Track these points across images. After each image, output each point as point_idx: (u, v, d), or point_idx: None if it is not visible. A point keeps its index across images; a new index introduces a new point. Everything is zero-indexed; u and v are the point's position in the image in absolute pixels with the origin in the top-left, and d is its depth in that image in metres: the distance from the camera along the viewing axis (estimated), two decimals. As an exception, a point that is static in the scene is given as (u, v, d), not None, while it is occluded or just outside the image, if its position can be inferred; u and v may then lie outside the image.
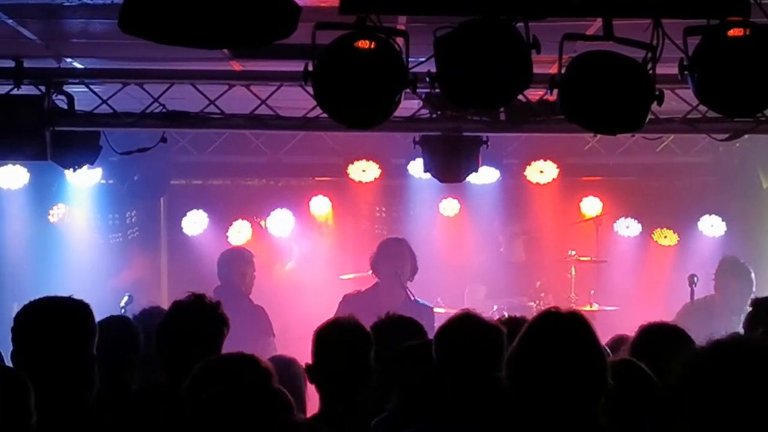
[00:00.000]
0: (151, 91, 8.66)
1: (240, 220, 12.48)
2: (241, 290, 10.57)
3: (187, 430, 4.11)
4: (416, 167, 11.13)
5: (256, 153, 12.17)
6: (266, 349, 9.47)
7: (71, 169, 9.73)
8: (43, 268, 11.64)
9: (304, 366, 5.58)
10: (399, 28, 6.53)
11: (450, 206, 12.47)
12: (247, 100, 8.72)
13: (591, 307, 10.82)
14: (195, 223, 12.47)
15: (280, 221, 12.46)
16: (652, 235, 12.55)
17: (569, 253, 11.43)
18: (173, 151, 11.51)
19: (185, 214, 12.46)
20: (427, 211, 12.43)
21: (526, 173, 12.14)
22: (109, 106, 8.71)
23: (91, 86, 8.76)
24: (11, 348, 4.53)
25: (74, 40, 8.42)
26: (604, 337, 5.14)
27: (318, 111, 7.73)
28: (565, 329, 4.08)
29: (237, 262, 10.86)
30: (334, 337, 5.44)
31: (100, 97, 8.73)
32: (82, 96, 8.79)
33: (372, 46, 6.08)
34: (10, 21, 7.56)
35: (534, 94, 8.17)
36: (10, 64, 8.45)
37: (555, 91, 6.37)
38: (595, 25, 6.59)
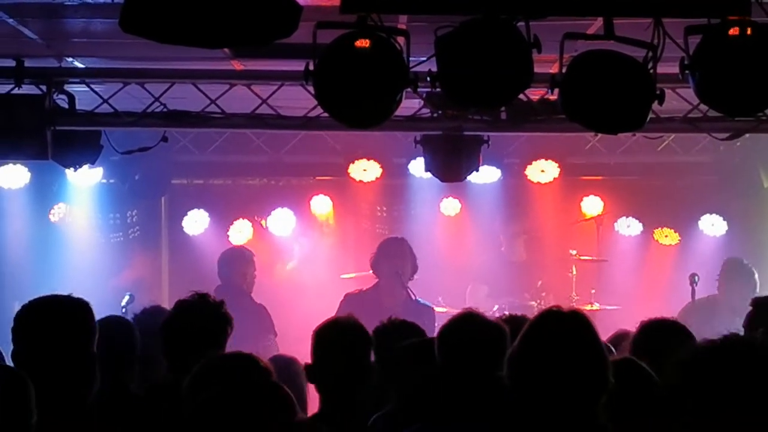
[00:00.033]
0: (152, 90, 8.66)
1: (241, 219, 12.48)
2: (242, 289, 10.57)
3: (188, 430, 4.11)
4: (417, 166, 11.14)
5: (257, 152, 12.17)
6: (268, 347, 9.48)
7: (72, 169, 9.73)
8: (44, 268, 11.64)
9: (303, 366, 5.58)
10: (400, 28, 6.53)
11: (451, 205, 12.47)
12: (248, 99, 8.72)
13: (592, 306, 10.82)
14: (196, 222, 12.47)
15: (281, 221, 12.46)
16: (653, 235, 12.55)
17: (570, 252, 11.43)
18: (174, 151, 11.52)
19: (186, 214, 12.46)
20: (428, 211, 12.43)
21: (527, 172, 12.14)
22: (110, 105, 8.71)
23: (92, 85, 8.76)
24: (12, 347, 4.53)
25: (75, 39, 8.42)
26: (605, 337, 5.14)
27: (319, 110, 7.73)
28: (566, 328, 4.07)
29: (237, 261, 10.86)
30: (333, 337, 5.43)
31: (101, 97, 8.73)
32: (83, 95, 8.79)
33: (373, 45, 6.08)
34: (10, 20, 7.56)
35: (535, 93, 8.17)
36: (11, 63, 8.45)
37: (556, 91, 6.37)
38: (596, 25, 6.59)
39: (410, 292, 9.99)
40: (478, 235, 12.48)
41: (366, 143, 11.71)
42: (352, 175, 12.08)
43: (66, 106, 8.70)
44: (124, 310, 9.60)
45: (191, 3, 5.24)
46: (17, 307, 4.60)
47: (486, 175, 11.44)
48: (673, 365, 3.34)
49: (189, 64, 8.47)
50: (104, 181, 12.01)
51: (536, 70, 6.10)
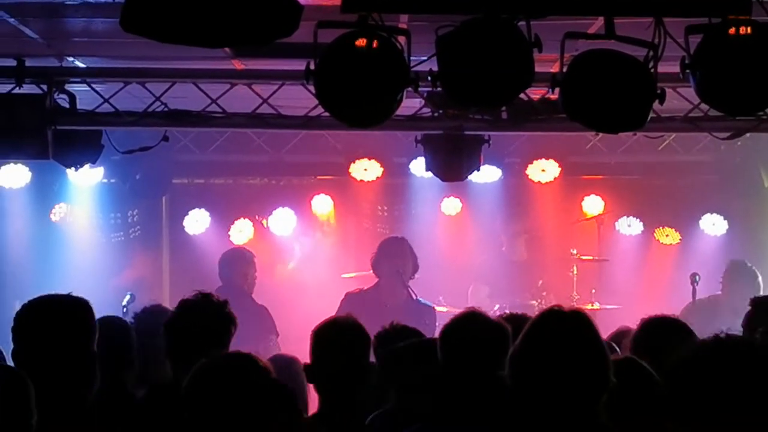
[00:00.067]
0: (153, 89, 8.66)
1: (242, 219, 12.48)
2: (243, 290, 10.56)
3: (188, 430, 4.11)
4: (418, 166, 11.14)
5: (258, 152, 12.17)
6: (269, 348, 9.47)
7: (73, 168, 9.73)
8: (44, 267, 11.64)
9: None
10: (401, 27, 6.53)
11: (452, 205, 12.48)
12: (249, 98, 8.72)
13: (593, 305, 10.83)
14: (197, 222, 12.47)
15: (282, 220, 12.47)
16: (654, 234, 12.56)
17: (571, 251, 11.44)
18: (175, 150, 11.51)
19: (187, 213, 12.46)
20: (429, 210, 12.43)
21: (527, 172, 12.14)
22: (110, 105, 8.71)
23: (93, 85, 8.76)
24: (12, 347, 4.53)
25: (76, 38, 8.42)
26: (606, 336, 5.14)
27: (320, 110, 7.73)
28: (568, 327, 4.07)
29: (238, 262, 10.84)
30: (332, 337, 5.42)
31: (101, 96, 8.74)
32: (84, 95, 8.79)
33: (373, 44, 6.08)
34: (11, 20, 7.56)
35: (536, 92, 8.18)
36: (12, 63, 8.46)
37: (557, 90, 6.37)
38: (597, 24, 6.59)
39: (411, 291, 9.99)
40: (479, 235, 12.48)
41: (367, 143, 11.71)
42: (352, 174, 12.09)
43: (67, 105, 8.70)
44: (125, 309, 9.61)
45: (192, 2, 5.24)
46: (18, 307, 4.60)
47: (487, 174, 11.45)
48: (669, 365, 3.34)
49: (190, 63, 8.48)
50: (105, 180, 12.02)
51: (537, 69, 6.10)
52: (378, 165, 12.02)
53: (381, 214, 12.80)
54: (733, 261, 10.76)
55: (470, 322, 4.99)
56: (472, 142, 9.05)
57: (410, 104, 8.04)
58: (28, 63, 8.49)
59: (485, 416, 4.53)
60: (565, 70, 6.26)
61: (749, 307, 6.62)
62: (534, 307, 10.85)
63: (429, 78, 6.15)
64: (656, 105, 6.39)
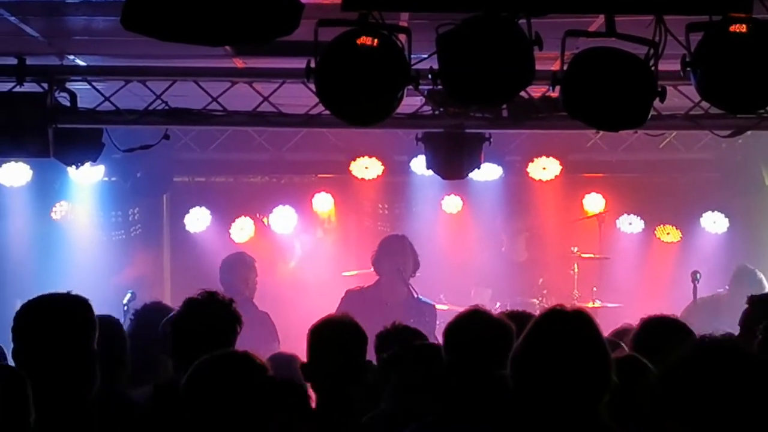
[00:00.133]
0: (154, 88, 8.66)
1: (243, 217, 12.49)
2: (245, 295, 10.49)
3: (188, 429, 4.11)
4: (419, 164, 11.14)
5: (259, 150, 12.17)
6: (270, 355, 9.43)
7: (74, 167, 9.75)
8: (45, 266, 11.65)
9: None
10: (401, 25, 6.54)
11: (452, 203, 12.47)
12: (250, 97, 8.72)
13: (593, 303, 10.83)
14: (198, 220, 12.47)
15: (283, 218, 12.47)
16: (655, 232, 12.56)
17: (572, 249, 11.44)
18: (176, 148, 11.51)
19: (188, 211, 12.46)
20: (430, 208, 12.44)
21: (528, 170, 12.14)
22: (111, 103, 8.72)
23: (94, 83, 8.76)
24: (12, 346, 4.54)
25: (77, 37, 8.42)
26: (607, 334, 5.14)
27: (320, 108, 7.73)
28: (570, 327, 4.07)
29: (239, 267, 10.74)
30: (328, 336, 5.40)
31: (102, 95, 8.74)
32: (85, 93, 8.79)
33: (374, 43, 6.08)
34: (12, 18, 7.56)
35: (536, 90, 8.18)
36: (13, 61, 8.46)
37: (557, 88, 6.37)
38: (598, 22, 6.59)
39: (412, 289, 9.99)
40: (480, 233, 12.48)
41: (367, 141, 11.71)
42: (353, 172, 12.10)
43: (68, 104, 8.71)
44: (126, 307, 9.61)
45: (192, 1, 5.24)
46: (19, 305, 4.60)
47: (487, 172, 11.45)
48: (661, 368, 3.34)
49: (190, 61, 8.48)
50: (106, 178, 12.03)
51: (538, 67, 6.10)
52: (379, 163, 12.02)
53: (382, 212, 12.80)
54: (742, 266, 10.74)
55: (474, 320, 4.99)
56: (473, 140, 9.05)
57: (411, 102, 8.04)
58: (29, 61, 8.49)
59: (488, 415, 4.53)
60: (565, 68, 6.26)
61: (746, 305, 6.62)
62: (535, 305, 10.85)
63: (429, 76, 6.15)
64: (657, 103, 6.39)
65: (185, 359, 5.16)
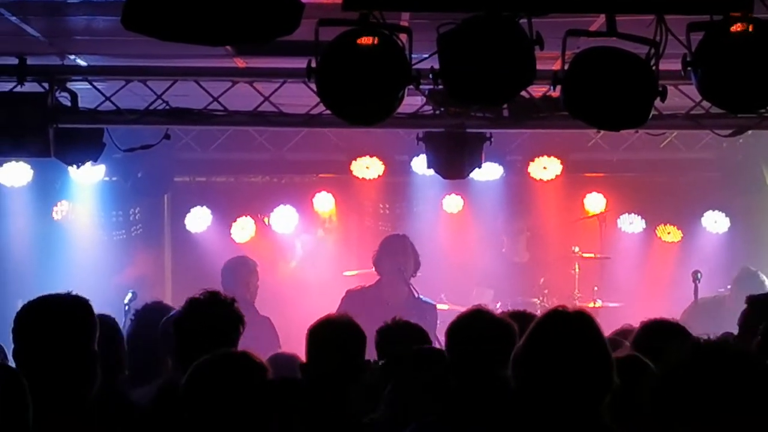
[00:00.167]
0: (155, 88, 8.66)
1: (243, 216, 12.49)
2: (246, 299, 10.46)
3: (188, 429, 4.11)
4: (419, 164, 11.14)
5: (260, 150, 12.17)
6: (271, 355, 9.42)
7: (75, 166, 9.76)
8: (46, 266, 11.65)
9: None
10: (402, 25, 6.53)
11: (453, 203, 12.48)
12: (251, 96, 8.72)
13: (594, 303, 10.83)
14: (199, 220, 12.48)
15: (284, 218, 12.47)
16: (656, 231, 12.56)
17: (573, 249, 11.44)
18: (177, 148, 11.51)
19: (189, 211, 12.47)
20: (431, 208, 12.44)
21: (529, 169, 12.15)
22: (112, 103, 8.72)
23: (95, 83, 8.76)
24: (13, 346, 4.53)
25: (77, 37, 8.42)
26: (608, 334, 5.13)
27: (321, 108, 7.72)
28: (572, 328, 4.06)
29: (241, 270, 10.68)
30: (326, 336, 5.40)
31: (103, 94, 8.74)
32: (86, 93, 8.79)
33: (375, 42, 6.08)
34: (13, 18, 7.57)
35: (537, 90, 8.17)
36: (14, 61, 8.46)
37: (558, 88, 6.36)
38: (598, 21, 6.58)
39: (413, 289, 9.98)
40: (481, 233, 12.48)
41: (368, 140, 11.71)
42: (354, 172, 12.10)
43: (68, 103, 8.71)
44: (126, 307, 9.61)
45: (193, 1, 5.24)
46: (20, 305, 4.60)
47: (488, 172, 11.46)
48: (664, 366, 3.34)
49: (191, 61, 8.48)
50: (107, 178, 12.03)
51: (538, 67, 6.10)
52: (380, 163, 12.02)
53: (383, 212, 12.80)
54: (746, 269, 10.73)
55: (477, 319, 4.99)
56: (474, 140, 9.05)
57: (412, 102, 8.04)
58: (30, 61, 8.49)
59: (488, 415, 4.53)
60: (566, 67, 6.25)
61: (745, 305, 6.62)
62: (536, 305, 10.86)
63: (430, 76, 6.15)
64: (658, 102, 6.39)
65: (188, 359, 5.16)
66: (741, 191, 12.18)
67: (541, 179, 12.17)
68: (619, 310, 10.56)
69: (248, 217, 12.50)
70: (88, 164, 9.63)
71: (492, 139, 9.10)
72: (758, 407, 3.10)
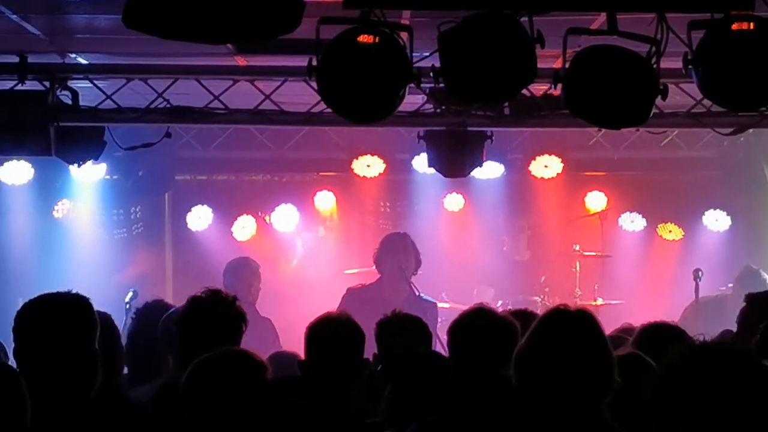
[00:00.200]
0: (156, 86, 8.66)
1: (244, 215, 12.50)
2: (248, 300, 10.43)
3: (188, 429, 4.11)
4: (420, 162, 11.13)
5: (261, 148, 12.17)
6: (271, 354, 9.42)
7: (76, 165, 9.74)
8: (47, 264, 11.66)
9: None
10: (403, 23, 6.53)
11: (454, 201, 12.48)
12: (252, 95, 8.72)
13: (595, 301, 10.83)
14: (200, 218, 12.48)
15: (285, 216, 12.47)
16: (657, 230, 12.56)
17: (574, 247, 11.44)
18: (177, 147, 11.52)
19: (190, 210, 12.47)
20: (432, 206, 12.44)
21: (530, 168, 12.14)
22: (113, 101, 8.71)
23: (96, 82, 8.76)
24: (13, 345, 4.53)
25: (78, 35, 8.42)
26: (609, 332, 5.13)
27: (322, 106, 7.72)
28: (573, 327, 4.06)
29: (243, 272, 10.65)
30: (325, 334, 5.38)
31: (104, 93, 8.74)
32: (87, 91, 8.79)
33: (376, 40, 6.08)
34: (14, 16, 7.57)
35: (538, 88, 8.17)
36: (15, 59, 8.45)
37: (559, 86, 6.36)
38: (599, 20, 6.58)
39: (413, 287, 9.98)
40: (482, 231, 12.49)
41: (369, 139, 11.72)
42: (355, 170, 12.10)
43: (69, 102, 8.70)
44: (127, 306, 9.62)
45: (194, -1, 5.25)
46: (21, 303, 4.60)
47: (489, 170, 11.45)
48: (664, 366, 3.34)
49: (192, 60, 8.47)
50: (108, 177, 12.03)
51: (539, 65, 6.10)
52: (380, 161, 12.02)
53: (383, 210, 12.81)
54: (748, 267, 10.73)
55: (479, 317, 4.99)
56: (475, 138, 9.04)
57: (413, 100, 8.04)
58: (31, 59, 8.48)
59: (488, 415, 4.52)
60: (567, 66, 6.26)
61: (744, 304, 6.61)
62: (537, 303, 10.86)
63: (431, 74, 6.15)
64: (659, 101, 6.39)
65: (190, 358, 5.15)
66: (742, 189, 12.19)
67: (542, 177, 12.17)
68: (619, 308, 10.56)
69: (249, 215, 12.50)
70: (89, 162, 9.62)
71: (493, 138, 9.09)
72: (758, 407, 3.10)
